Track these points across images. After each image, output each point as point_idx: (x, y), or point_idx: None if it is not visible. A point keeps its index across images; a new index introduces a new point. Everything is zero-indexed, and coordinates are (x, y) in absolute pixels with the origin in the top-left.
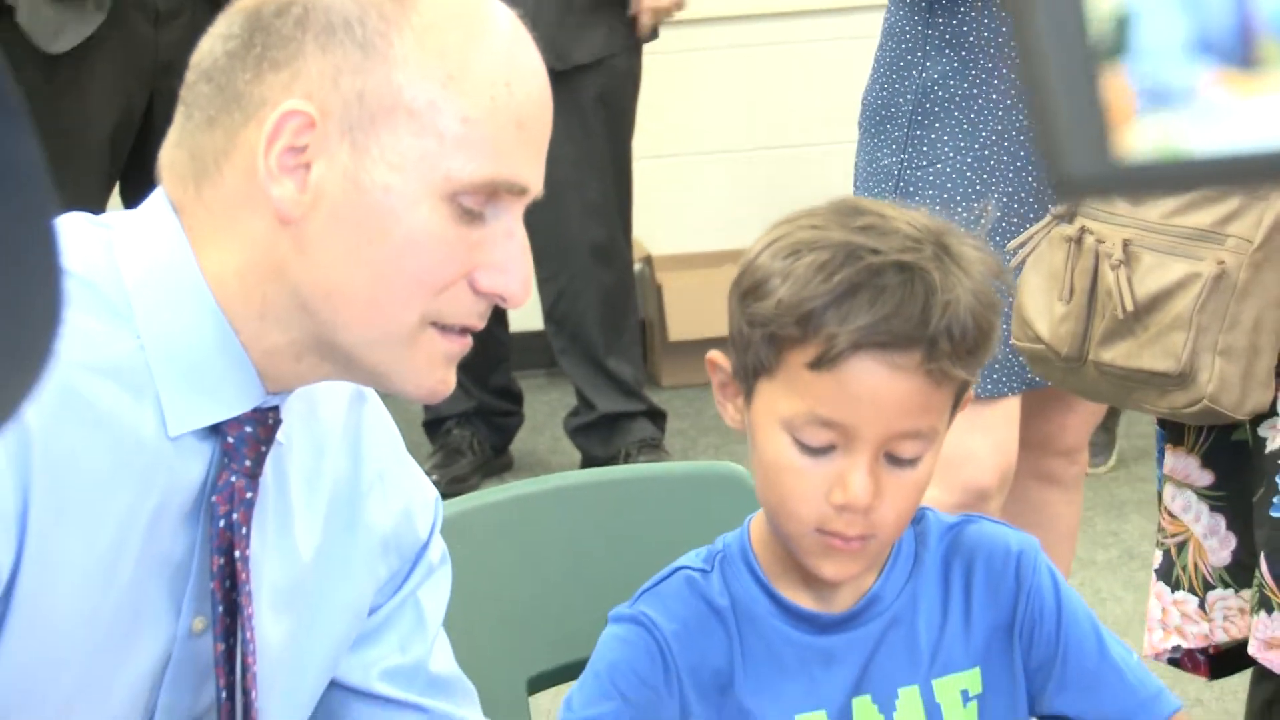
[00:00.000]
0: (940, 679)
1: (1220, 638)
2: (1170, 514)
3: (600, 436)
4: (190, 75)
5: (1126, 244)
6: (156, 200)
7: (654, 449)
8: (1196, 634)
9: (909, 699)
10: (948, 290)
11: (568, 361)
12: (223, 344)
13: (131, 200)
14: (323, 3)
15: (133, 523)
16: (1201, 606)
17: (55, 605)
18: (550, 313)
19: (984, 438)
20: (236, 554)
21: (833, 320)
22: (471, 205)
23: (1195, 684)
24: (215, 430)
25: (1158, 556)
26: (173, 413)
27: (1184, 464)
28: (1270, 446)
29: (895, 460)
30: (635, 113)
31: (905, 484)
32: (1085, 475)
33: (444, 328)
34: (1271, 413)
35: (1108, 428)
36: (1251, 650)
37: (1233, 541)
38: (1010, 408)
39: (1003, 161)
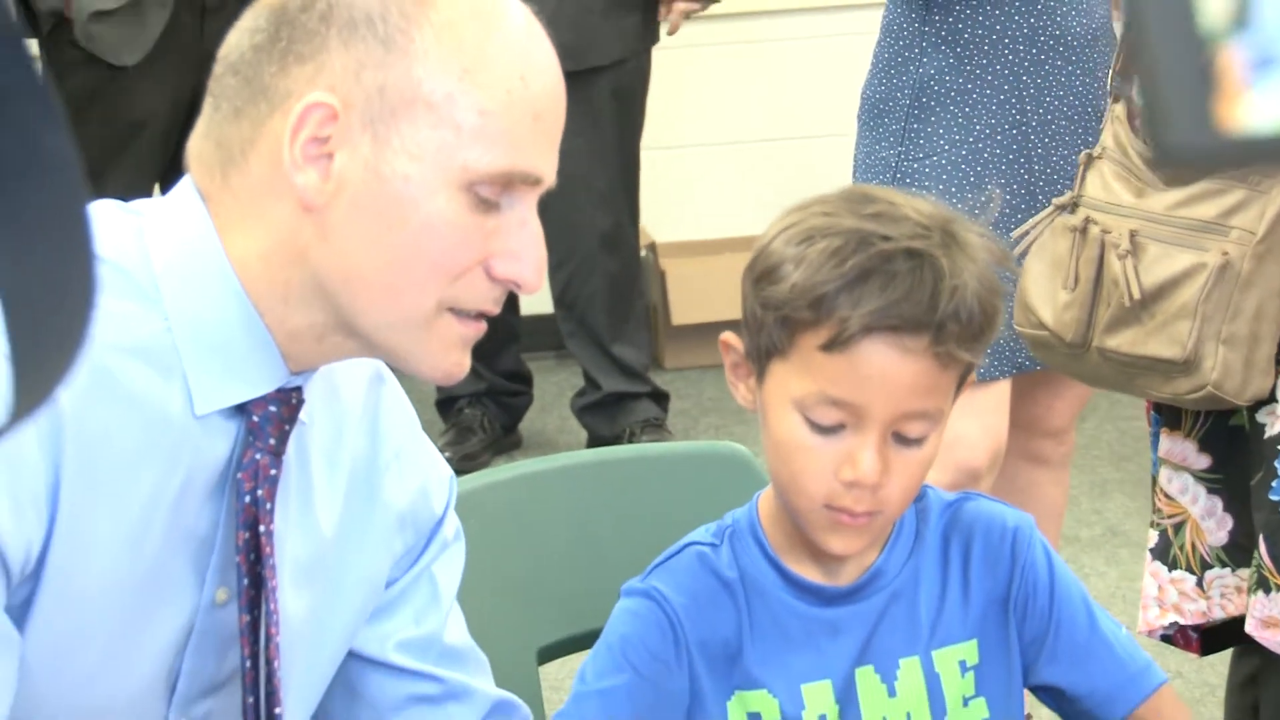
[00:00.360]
0: (939, 650)
1: (1218, 614)
2: (1167, 496)
3: (606, 416)
4: (218, 68)
5: (1133, 234)
6: (184, 188)
7: (657, 428)
8: (1194, 611)
9: (910, 669)
10: (955, 276)
11: (575, 344)
12: (247, 326)
13: (168, 188)
14: None
15: (160, 498)
16: (1199, 585)
17: (85, 576)
18: (560, 297)
19: (975, 420)
20: (261, 529)
21: (845, 304)
22: (487, 195)
23: (1175, 656)
24: (240, 409)
25: (1153, 536)
26: (200, 392)
27: (1181, 448)
28: (1269, 431)
29: (902, 439)
30: (645, 109)
31: (911, 462)
32: (1071, 455)
33: (460, 312)
34: (1271, 399)
35: None
36: (1249, 628)
37: (1229, 522)
38: (1001, 391)
39: (996, 154)
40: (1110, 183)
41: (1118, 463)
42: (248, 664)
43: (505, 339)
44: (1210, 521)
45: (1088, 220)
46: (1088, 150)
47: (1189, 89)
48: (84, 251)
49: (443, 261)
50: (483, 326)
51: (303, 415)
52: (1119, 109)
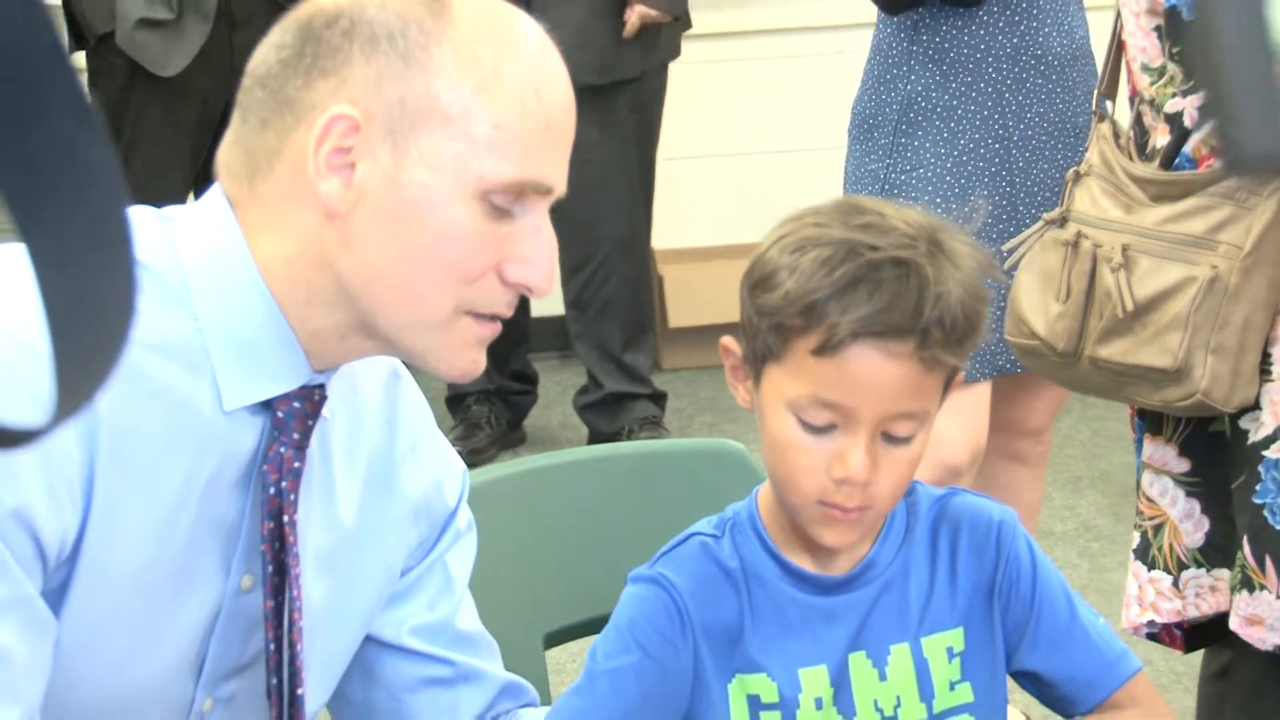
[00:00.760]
0: (928, 637)
1: (1192, 613)
2: (1148, 498)
3: (606, 414)
4: (246, 81)
5: (1125, 249)
6: (214, 195)
7: (654, 426)
8: (1170, 609)
9: (900, 655)
10: (940, 284)
11: (583, 345)
12: (273, 326)
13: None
14: (368, 16)
15: (189, 489)
16: (1175, 584)
17: (117, 562)
18: (575, 301)
19: (957, 420)
20: (285, 519)
21: (834, 311)
22: (501, 203)
23: (1144, 646)
24: (266, 405)
25: (1135, 537)
26: (227, 389)
27: (1162, 452)
28: (1252, 438)
29: (891, 438)
30: (661, 122)
31: (899, 460)
32: (1047, 455)
33: (476, 314)
34: (1255, 406)
35: None
36: (1233, 625)
37: (1206, 524)
38: (982, 393)
39: (979, 167)
40: (1099, 199)
41: (1090, 461)
42: (271, 647)
43: (517, 340)
44: (1188, 523)
45: (1079, 235)
46: (1075, 168)
47: (1262, 98)
48: (125, 261)
49: (458, 266)
50: (497, 327)
51: (325, 411)
52: (1104, 128)
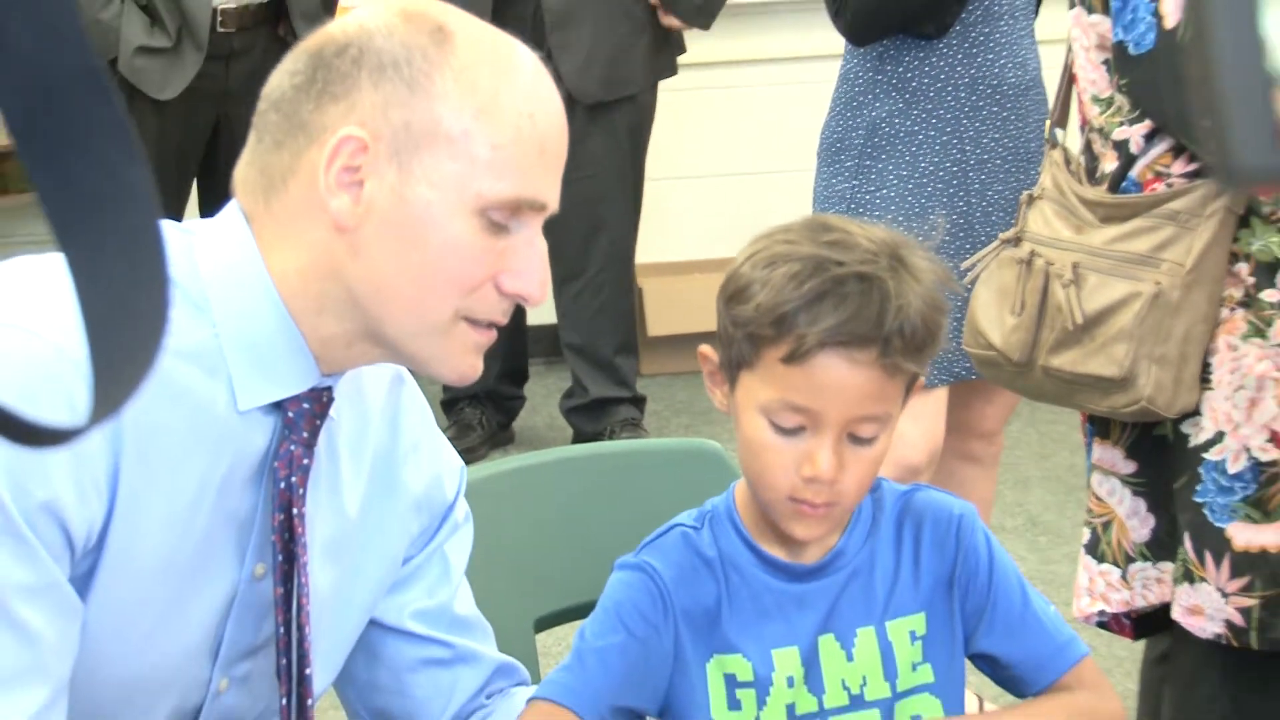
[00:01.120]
0: (892, 621)
1: (1140, 603)
2: (1097, 497)
3: (590, 416)
4: (261, 105)
5: (1075, 266)
6: (231, 210)
7: (634, 427)
8: (1119, 600)
9: (866, 638)
10: (900, 296)
11: (572, 352)
12: (285, 333)
13: (207, 209)
14: (375, 45)
15: (207, 484)
16: (1124, 577)
17: (139, 552)
18: (567, 310)
19: (916, 423)
20: (294, 511)
21: (803, 322)
22: (498, 219)
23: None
24: (278, 406)
25: (1086, 534)
26: (242, 391)
27: (1110, 455)
28: (1193, 441)
29: (856, 439)
30: (650, 140)
31: (864, 459)
32: (1000, 455)
33: (474, 321)
34: (1195, 412)
35: None
36: (1175, 615)
37: (1151, 521)
38: (939, 398)
39: (938, 188)
40: (1051, 220)
41: (1038, 461)
42: (281, 630)
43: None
44: (1135, 520)
45: (1033, 253)
46: (1028, 191)
47: (1256, 117)
48: (159, 275)
49: (458, 277)
50: (493, 334)
51: (332, 412)
52: (1056, 155)
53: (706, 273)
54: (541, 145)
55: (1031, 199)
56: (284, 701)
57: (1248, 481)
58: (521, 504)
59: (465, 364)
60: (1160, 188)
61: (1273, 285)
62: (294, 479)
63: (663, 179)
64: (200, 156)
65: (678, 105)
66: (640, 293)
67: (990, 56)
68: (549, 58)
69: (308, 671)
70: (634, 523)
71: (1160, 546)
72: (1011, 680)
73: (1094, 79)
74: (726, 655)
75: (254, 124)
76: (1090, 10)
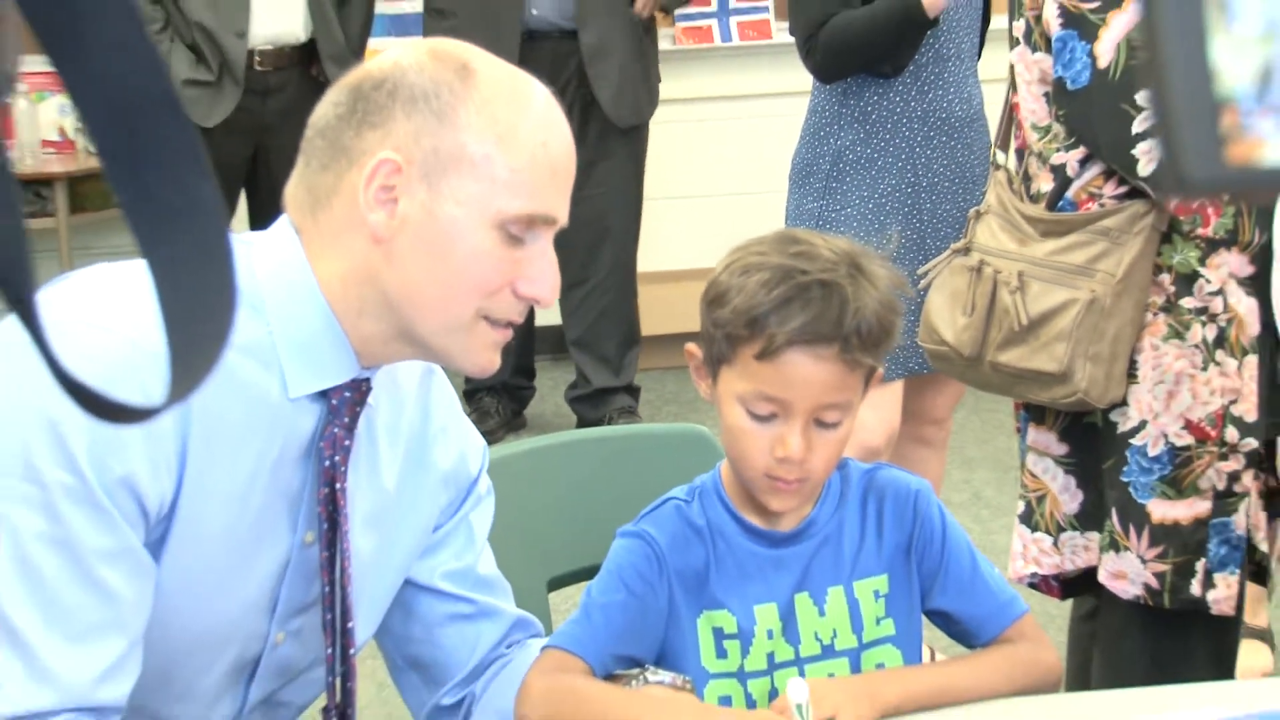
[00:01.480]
0: (858, 581)
1: (1068, 567)
2: (1032, 474)
3: (591, 404)
4: (308, 132)
5: (1021, 275)
6: (282, 224)
7: (630, 414)
8: (1050, 564)
9: (836, 596)
10: (858, 300)
11: (577, 348)
12: (329, 331)
13: (257, 224)
14: (408, 80)
15: (262, 462)
16: (1055, 544)
17: (205, 522)
18: (574, 311)
19: (875, 411)
20: (337, 486)
21: (773, 323)
22: (515, 231)
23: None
24: (323, 395)
25: (1020, 506)
26: (292, 381)
27: (1045, 438)
28: (1121, 429)
29: (821, 424)
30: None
31: (829, 441)
32: (948, 439)
33: (493, 321)
34: (1123, 403)
35: None
36: (1101, 579)
37: (1080, 496)
38: (896, 389)
39: (895, 207)
40: (997, 233)
41: (981, 444)
42: (327, 589)
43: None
44: (1065, 495)
45: (982, 262)
46: (975, 208)
47: (1203, 133)
48: (227, 278)
49: (480, 282)
50: (510, 333)
51: (370, 400)
52: (1000, 175)
53: (693, 280)
54: (553, 168)
55: (978, 214)
56: (329, 651)
57: (1165, 464)
58: (534, 481)
59: (485, 358)
60: (1094, 207)
61: (1190, 294)
62: (337, 458)
63: (657, 199)
64: (243, 179)
65: (671, 135)
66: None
67: (940, 93)
68: (589, 88)
69: (350, 625)
70: (632, 497)
71: (1087, 518)
72: (961, 634)
73: (1034, 109)
74: (714, 611)
75: (302, 149)
76: (1034, 49)
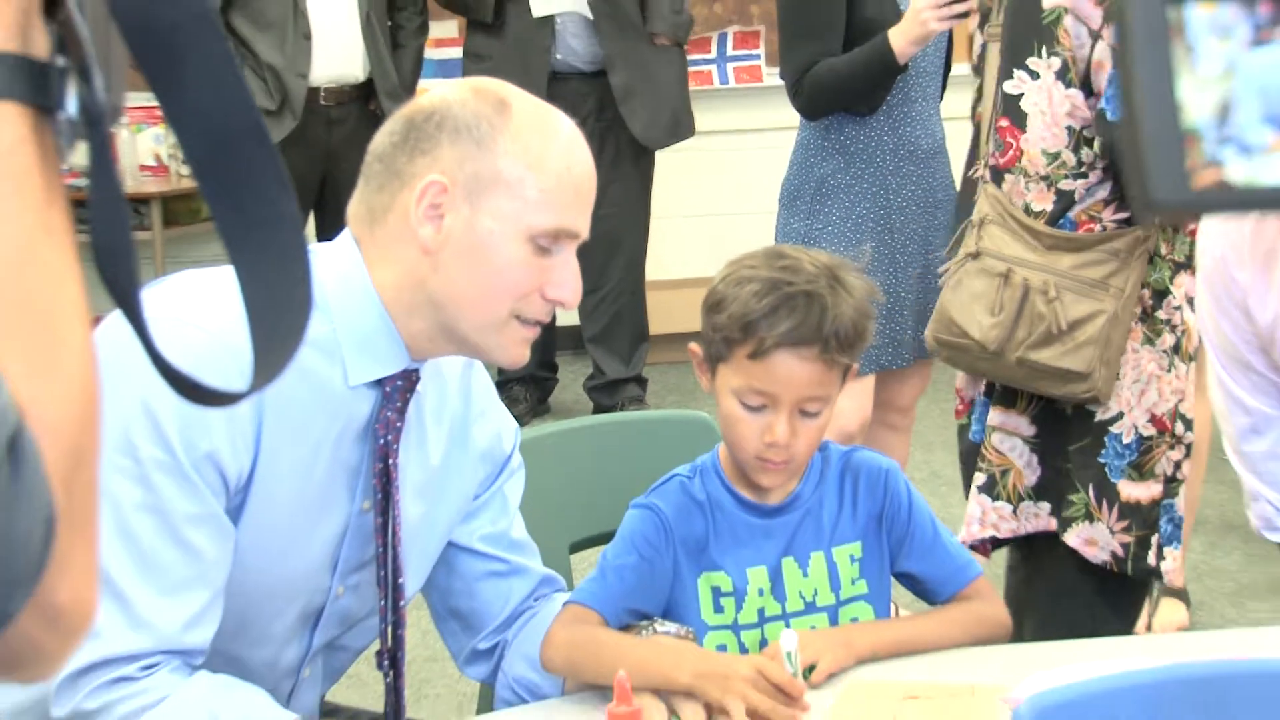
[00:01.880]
0: (836, 547)
1: (1024, 530)
2: (998, 451)
3: (606, 393)
4: (368, 158)
5: (1055, 286)
6: (345, 236)
7: (639, 402)
8: (1008, 528)
9: (817, 560)
10: (836, 307)
11: (594, 344)
12: (384, 329)
13: (323, 237)
14: (453, 113)
15: (325, 441)
16: (1014, 511)
17: (277, 492)
18: (592, 313)
19: (851, 400)
20: (390, 461)
21: (763, 328)
22: (544, 244)
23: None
24: (378, 383)
25: (981, 478)
26: (352, 371)
27: (1014, 421)
28: (1099, 418)
29: (804, 413)
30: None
31: (811, 428)
32: (912, 425)
33: (523, 320)
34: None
35: None
36: (1073, 543)
37: (1039, 471)
38: (868, 382)
39: (869, 227)
40: (1009, 241)
41: (939, 430)
42: (381, 550)
43: (545, 342)
44: (1028, 470)
45: (1010, 270)
46: (971, 219)
47: (1170, 161)
48: (304, 281)
49: (513, 287)
50: (538, 330)
51: (419, 387)
52: (991, 189)
53: (694, 287)
54: (576, 189)
55: (977, 224)
56: (382, 603)
57: (1133, 450)
58: (558, 458)
59: (516, 353)
60: (1096, 229)
61: (1161, 307)
62: (390, 438)
63: (665, 217)
64: (313, 198)
65: (677, 163)
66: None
67: (908, 129)
68: (607, 120)
69: (401, 581)
70: (641, 473)
71: (1043, 490)
72: (924, 593)
73: (1045, 136)
74: (713, 572)
75: (362, 172)
76: (1069, 85)
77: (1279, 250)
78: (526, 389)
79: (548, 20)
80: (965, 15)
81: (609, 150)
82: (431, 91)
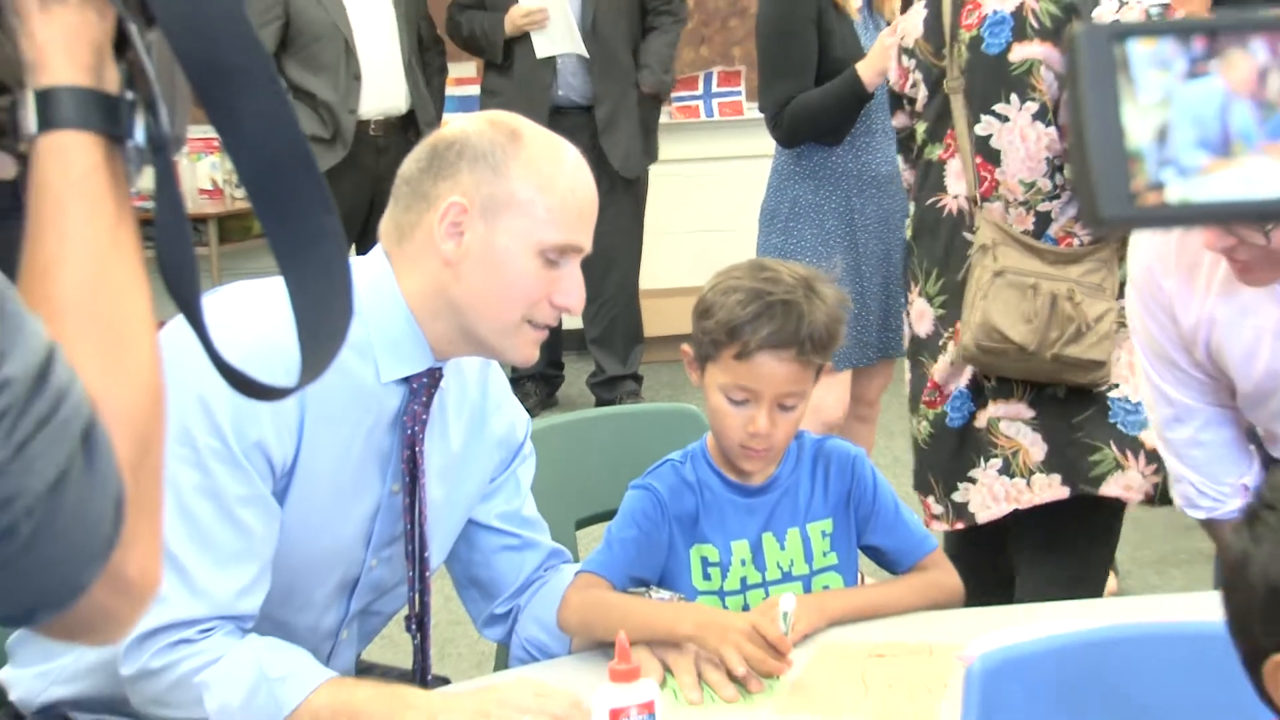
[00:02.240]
0: (810, 524)
1: (1039, 500)
2: (1006, 436)
3: (606, 388)
4: (397, 181)
5: (1074, 292)
6: (377, 251)
7: (635, 396)
8: (1027, 499)
9: (793, 535)
10: (811, 314)
11: (596, 345)
12: (411, 332)
13: (362, 252)
14: (471, 142)
15: (359, 430)
16: (1028, 484)
17: (317, 475)
18: (594, 317)
19: (832, 393)
20: (416, 449)
21: (747, 333)
22: (552, 257)
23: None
24: (406, 380)
25: (997, 463)
26: (383, 369)
27: (1015, 408)
28: (1097, 390)
29: (783, 407)
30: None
31: (789, 420)
32: (878, 415)
33: (534, 324)
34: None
35: None
36: (1112, 492)
37: (1044, 449)
38: (845, 377)
39: (837, 243)
40: (1025, 258)
41: (900, 420)
42: (408, 527)
43: (552, 343)
44: (1035, 448)
45: (1036, 283)
46: (982, 242)
47: (1116, 181)
48: (346, 291)
49: (525, 295)
50: (546, 333)
51: (442, 384)
52: (991, 216)
53: (685, 295)
54: (580, 209)
55: (989, 246)
56: (410, 574)
57: (1142, 409)
58: (565, 446)
59: (527, 353)
60: (1075, 243)
61: (1122, 297)
62: (416, 428)
63: (659, 234)
64: (361, 220)
65: (669, 187)
66: (641, 308)
67: (869, 157)
68: (601, 150)
69: (426, 554)
70: (639, 459)
71: (1051, 463)
72: (887, 564)
73: (1024, 169)
74: (702, 545)
75: (392, 194)
76: (1049, 124)
77: (1201, 261)
78: (537, 385)
79: (550, 60)
80: None
81: (605, 178)
82: (453, 122)
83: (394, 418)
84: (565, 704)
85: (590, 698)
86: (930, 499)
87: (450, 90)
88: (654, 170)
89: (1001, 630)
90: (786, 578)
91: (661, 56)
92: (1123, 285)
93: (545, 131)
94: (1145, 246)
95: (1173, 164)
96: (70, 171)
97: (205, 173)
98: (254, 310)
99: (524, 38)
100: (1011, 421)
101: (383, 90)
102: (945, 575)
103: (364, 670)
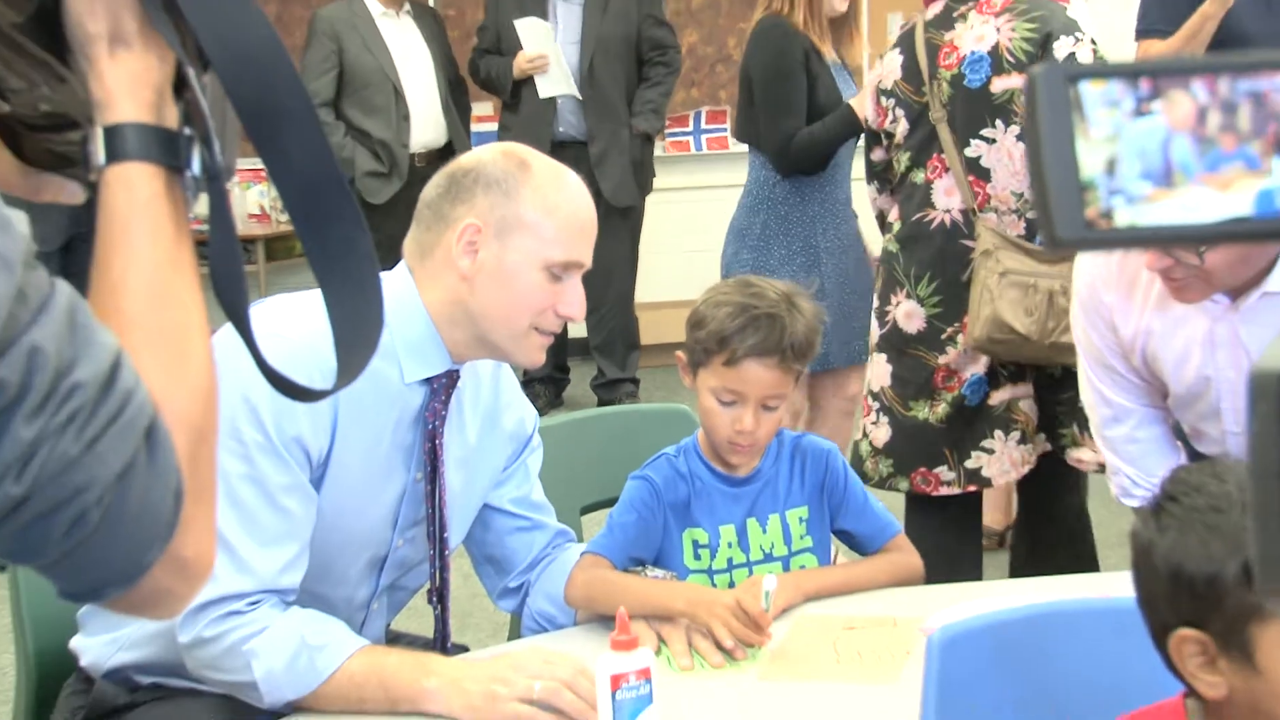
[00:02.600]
0: (789, 510)
1: (1036, 455)
2: (1024, 412)
3: (607, 390)
4: (420, 204)
5: (1065, 289)
6: (400, 266)
7: (633, 398)
8: (1032, 458)
9: (773, 520)
10: (792, 325)
11: (598, 351)
12: (432, 338)
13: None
14: (485, 170)
15: (386, 425)
16: (1033, 446)
17: (349, 465)
18: (596, 326)
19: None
20: (436, 441)
21: (735, 342)
22: (556, 272)
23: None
24: (427, 381)
25: (1016, 434)
26: (407, 371)
27: (1025, 388)
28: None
29: (766, 408)
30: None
31: (771, 419)
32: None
33: (541, 331)
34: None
35: None
36: (1071, 461)
37: (1039, 413)
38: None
39: (803, 260)
40: (1024, 260)
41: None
42: (430, 511)
43: (558, 347)
44: (1033, 414)
45: (1034, 281)
46: (984, 249)
47: (1069, 204)
48: (377, 303)
49: (532, 306)
50: (551, 340)
51: (460, 384)
52: (989, 224)
53: (678, 307)
54: (582, 229)
55: (992, 250)
56: (432, 552)
57: None
58: (570, 441)
59: (535, 356)
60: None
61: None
62: (436, 423)
63: (655, 253)
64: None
65: (664, 212)
66: (638, 319)
67: (831, 187)
68: (595, 181)
69: (446, 535)
70: (636, 453)
71: (1042, 426)
72: (857, 546)
73: (1012, 182)
74: (693, 529)
75: (415, 215)
76: None
77: (1139, 279)
78: (545, 386)
79: (551, 100)
80: None
81: (601, 205)
82: (470, 152)
83: (417, 414)
84: (571, 670)
85: (594, 664)
86: (941, 469)
87: (473, 127)
88: (649, 197)
89: (959, 605)
90: (768, 558)
91: (655, 103)
92: None
93: (551, 161)
94: (1088, 265)
95: (1121, 193)
96: (135, 199)
97: (254, 199)
98: (295, 320)
99: (530, 80)
100: (1026, 399)
101: (425, 126)
102: (909, 556)
103: (393, 639)
